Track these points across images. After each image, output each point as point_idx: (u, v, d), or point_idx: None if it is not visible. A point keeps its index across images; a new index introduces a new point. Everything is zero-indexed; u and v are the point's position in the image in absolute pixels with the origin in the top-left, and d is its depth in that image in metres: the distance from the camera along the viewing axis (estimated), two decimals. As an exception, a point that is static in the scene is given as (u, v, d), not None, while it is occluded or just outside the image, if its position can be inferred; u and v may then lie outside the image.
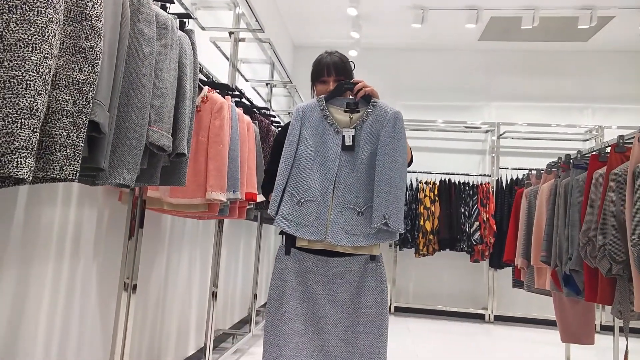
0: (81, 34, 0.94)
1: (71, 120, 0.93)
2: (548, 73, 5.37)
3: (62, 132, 0.91)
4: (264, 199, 2.53)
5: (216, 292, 2.78)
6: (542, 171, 2.80)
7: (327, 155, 1.64)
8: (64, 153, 0.92)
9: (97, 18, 0.96)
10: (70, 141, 0.92)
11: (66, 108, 0.92)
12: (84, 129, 0.96)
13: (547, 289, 2.37)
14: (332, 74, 1.72)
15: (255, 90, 3.86)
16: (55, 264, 1.66)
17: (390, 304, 5.00)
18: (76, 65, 0.94)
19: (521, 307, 4.90)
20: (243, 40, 2.98)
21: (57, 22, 0.88)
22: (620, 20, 4.54)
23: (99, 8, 0.97)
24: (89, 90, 0.95)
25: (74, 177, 0.93)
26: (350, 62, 1.82)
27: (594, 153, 2.05)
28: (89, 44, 0.95)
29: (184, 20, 1.76)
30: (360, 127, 1.67)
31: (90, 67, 0.95)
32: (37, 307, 1.58)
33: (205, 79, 2.37)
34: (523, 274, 2.76)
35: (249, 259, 4.18)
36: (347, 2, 4.34)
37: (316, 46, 5.70)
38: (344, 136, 1.64)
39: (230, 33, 2.87)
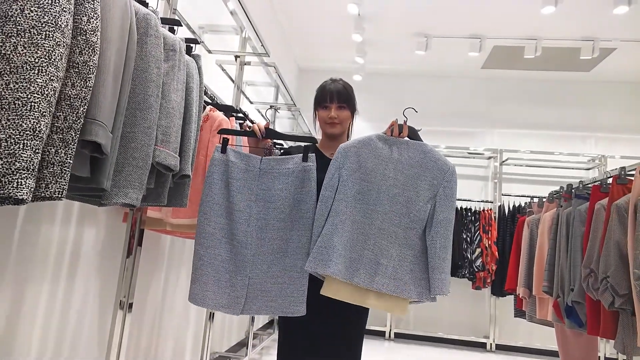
0: (75, 49, 0.95)
1: (60, 136, 0.93)
2: (551, 102, 5.42)
3: (51, 149, 0.91)
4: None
5: (213, 314, 2.74)
6: (544, 199, 2.79)
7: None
8: (51, 170, 0.92)
9: (92, 32, 0.98)
10: (58, 158, 0.92)
11: (56, 124, 0.92)
12: (73, 145, 0.95)
13: (549, 320, 2.33)
14: (335, 100, 1.71)
15: (259, 112, 3.90)
16: (52, 283, 1.65)
17: (390, 330, 4.92)
18: (68, 80, 0.94)
19: (523, 336, 4.81)
20: (248, 63, 3.03)
21: (64, 46, 0.89)
22: (622, 52, 4.60)
23: (95, 22, 0.99)
24: (80, 105, 0.96)
25: (60, 195, 0.93)
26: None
27: (595, 184, 2.05)
28: (82, 58, 0.96)
29: (191, 45, 1.79)
30: None
31: (82, 82, 0.96)
32: (31, 327, 1.56)
33: (210, 101, 2.40)
34: (525, 303, 2.72)
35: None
36: (352, 28, 4.41)
37: (321, 70, 5.78)
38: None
39: (236, 56, 2.91)
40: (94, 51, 0.99)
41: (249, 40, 2.99)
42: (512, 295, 4.44)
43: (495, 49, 4.78)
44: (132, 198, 1.25)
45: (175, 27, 1.63)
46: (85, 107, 0.98)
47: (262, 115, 3.89)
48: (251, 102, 3.62)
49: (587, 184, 2.27)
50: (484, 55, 4.91)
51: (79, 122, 0.97)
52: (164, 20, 1.59)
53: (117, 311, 1.69)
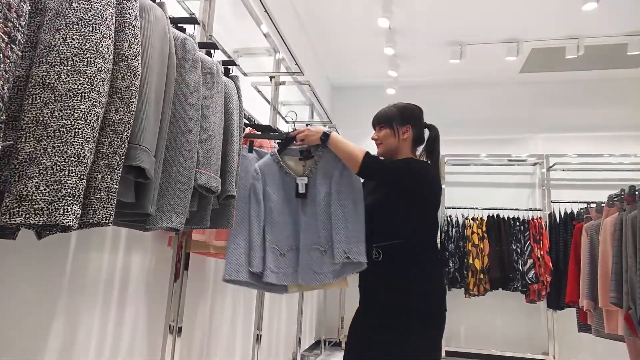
0: (117, 75, 0.96)
1: (106, 162, 0.93)
2: (597, 102, 5.16)
3: (97, 175, 0.91)
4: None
5: (260, 335, 2.71)
6: (602, 204, 2.61)
7: (292, 204, 1.80)
8: (98, 196, 0.92)
9: (133, 58, 0.98)
10: (104, 184, 0.92)
11: (101, 150, 0.92)
12: (119, 170, 0.95)
13: (620, 334, 2.15)
14: (375, 125, 1.83)
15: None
16: (103, 311, 1.66)
17: (442, 348, 4.71)
18: (112, 106, 0.95)
19: (587, 352, 4.49)
20: (283, 83, 3.04)
21: (105, 71, 0.90)
22: (673, 44, 4.33)
23: (136, 47, 0.99)
24: (124, 130, 0.96)
25: (107, 221, 0.92)
26: (409, 107, 1.83)
27: (663, 183, 1.89)
28: (124, 83, 0.96)
29: (229, 67, 1.81)
30: (314, 170, 1.80)
31: (125, 107, 0.96)
32: (85, 355, 1.57)
33: (248, 122, 2.41)
34: (590, 316, 2.52)
35: (292, 300, 4.10)
36: (384, 42, 4.39)
37: (354, 86, 5.78)
38: (297, 185, 1.80)
39: (271, 77, 2.93)
40: (136, 76, 1.00)
41: (283, 61, 3.01)
42: (572, 308, 4.18)
43: (534, 52, 4.62)
44: (176, 222, 1.24)
45: (212, 51, 1.65)
46: (129, 131, 0.98)
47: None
48: (287, 122, 3.63)
49: (653, 185, 2.10)
50: (522, 59, 4.75)
51: (124, 147, 0.96)
52: (201, 45, 1.61)
53: (167, 336, 1.68)
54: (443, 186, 5.02)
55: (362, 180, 1.79)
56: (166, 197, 1.25)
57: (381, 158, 1.76)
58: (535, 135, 5.25)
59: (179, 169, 1.27)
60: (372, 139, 1.82)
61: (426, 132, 1.84)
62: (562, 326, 4.56)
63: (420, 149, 1.82)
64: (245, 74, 2.79)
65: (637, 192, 2.11)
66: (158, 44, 1.14)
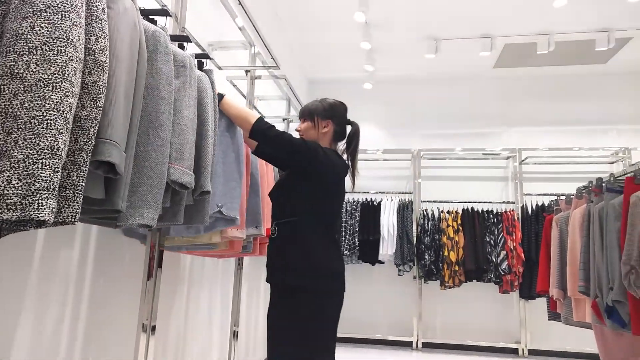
0: (84, 69, 0.93)
1: (72, 159, 0.90)
2: (567, 97, 5.30)
3: (62, 173, 0.89)
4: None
5: (237, 332, 2.70)
6: (571, 196, 2.69)
7: None
8: (63, 194, 0.89)
9: (100, 52, 0.95)
10: (70, 181, 0.89)
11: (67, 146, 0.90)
12: (85, 167, 0.93)
13: (587, 322, 2.22)
14: (300, 117, 1.92)
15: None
16: (73, 308, 1.62)
17: (417, 339, 4.80)
18: (79, 101, 0.92)
19: (557, 340, 4.64)
20: (259, 77, 3.02)
21: (77, 60, 0.87)
22: (638, 41, 4.47)
23: (103, 41, 0.96)
24: (90, 126, 0.93)
25: (73, 220, 0.90)
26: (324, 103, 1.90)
27: (628, 175, 1.95)
28: (92, 78, 0.94)
29: (203, 60, 1.78)
30: None
31: (92, 103, 0.93)
32: (55, 354, 1.53)
33: (223, 116, 2.38)
34: (559, 305, 2.60)
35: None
36: (360, 36, 4.40)
37: (331, 80, 5.77)
38: None
39: (247, 71, 2.90)
40: (103, 71, 0.97)
41: (259, 55, 2.98)
42: (543, 297, 4.30)
43: (507, 47, 4.71)
44: (148, 218, 1.21)
45: (185, 44, 1.62)
46: (96, 128, 0.95)
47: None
48: (264, 117, 3.60)
49: (619, 177, 2.17)
50: (495, 54, 4.83)
51: (90, 144, 0.94)
52: (173, 38, 1.58)
53: (140, 334, 1.65)
54: (419, 180, 5.09)
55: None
56: (138, 193, 1.22)
57: (272, 125, 1.76)
58: (508, 129, 5.36)
59: (151, 165, 1.25)
60: (296, 130, 1.92)
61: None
62: (534, 315, 4.70)
63: (341, 144, 1.92)
64: (220, 68, 2.75)
65: (604, 184, 2.18)
66: (127, 36, 1.11)
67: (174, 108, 1.37)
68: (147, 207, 1.23)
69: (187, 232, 1.74)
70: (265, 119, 1.80)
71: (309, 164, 1.71)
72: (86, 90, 0.94)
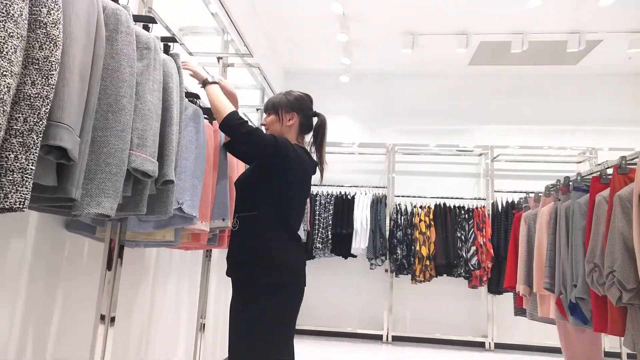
0: (34, 43, 0.86)
1: (20, 140, 0.83)
2: (539, 96, 5.40)
3: (9, 155, 0.82)
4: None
5: (204, 324, 2.64)
6: (540, 194, 2.73)
7: None
8: (10, 178, 0.82)
9: (53, 25, 0.88)
10: (17, 164, 0.83)
11: (14, 127, 0.83)
12: (36, 150, 0.86)
13: (551, 318, 2.26)
14: (265, 110, 1.90)
15: (245, 116, 3.80)
16: (26, 302, 1.54)
17: (387, 333, 4.84)
18: (28, 78, 0.85)
19: (522, 334, 4.76)
20: (232, 65, 2.94)
21: (18, 37, 0.80)
22: (608, 44, 4.59)
23: (56, 14, 0.89)
24: (41, 105, 0.86)
25: (21, 206, 0.83)
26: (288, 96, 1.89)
27: (594, 175, 1.98)
28: (43, 53, 0.87)
29: (169, 43, 1.70)
30: None
31: (44, 80, 0.86)
32: (5, 348, 1.45)
33: (192, 105, 2.30)
34: (525, 301, 2.65)
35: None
36: (337, 28, 4.35)
37: (307, 72, 5.71)
38: None
39: (219, 58, 2.82)
40: (56, 46, 0.90)
41: (232, 43, 2.90)
42: (510, 293, 4.39)
43: (482, 45, 4.75)
44: (106, 207, 1.15)
45: (150, 25, 1.54)
46: (48, 107, 0.88)
47: (249, 120, 3.79)
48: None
49: (585, 176, 2.21)
50: (470, 51, 4.87)
51: (41, 124, 0.87)
52: (137, 18, 1.50)
53: (97, 325, 1.58)
54: (393, 175, 5.11)
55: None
56: (95, 180, 1.15)
57: (245, 120, 1.72)
58: (481, 126, 5.43)
59: (109, 151, 1.18)
60: (261, 124, 1.90)
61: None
62: (501, 310, 4.80)
63: (308, 136, 1.90)
64: (191, 54, 2.66)
65: (571, 183, 2.22)
66: (84, 12, 1.04)
67: (137, 92, 1.30)
68: (105, 196, 1.16)
69: (140, 228, 1.66)
70: (239, 113, 1.75)
71: (279, 161, 1.69)
72: (36, 67, 0.87)
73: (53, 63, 0.88)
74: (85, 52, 1.04)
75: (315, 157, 1.90)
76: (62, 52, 0.96)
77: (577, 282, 1.93)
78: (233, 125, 1.68)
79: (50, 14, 0.90)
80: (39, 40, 0.87)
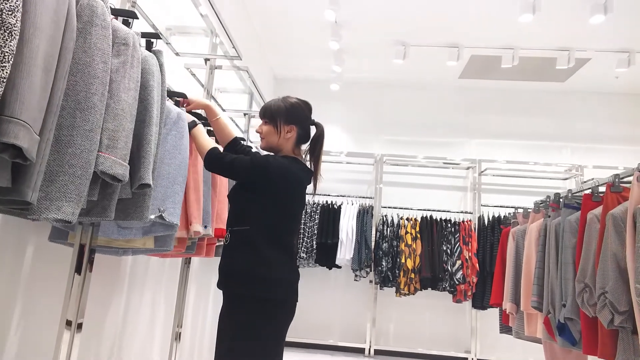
0: (-14, 31, 0.78)
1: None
2: (527, 112, 5.41)
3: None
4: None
5: (180, 334, 2.53)
6: (529, 210, 2.69)
7: None
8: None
9: (9, 13, 0.80)
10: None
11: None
12: None
13: (538, 337, 2.21)
14: (261, 116, 1.81)
15: (233, 120, 3.72)
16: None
17: (370, 347, 4.75)
18: (-25, 69, 0.76)
19: (505, 350, 4.70)
20: (220, 67, 2.86)
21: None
22: (597, 62, 4.62)
23: (14, 1, 0.81)
24: (-10, 100, 0.78)
25: None
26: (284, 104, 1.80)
27: (586, 192, 1.94)
28: (-6, 43, 0.78)
29: (152, 40, 1.62)
30: None
31: (-6, 73, 0.78)
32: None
33: (176, 108, 2.21)
34: (511, 319, 2.59)
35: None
36: (329, 35, 4.30)
37: (298, 79, 5.65)
38: None
39: (206, 60, 2.74)
40: (11, 35, 0.81)
41: (221, 45, 2.83)
42: (495, 309, 4.34)
43: (473, 58, 4.74)
44: (67, 212, 1.05)
45: (131, 20, 1.46)
46: (-1, 102, 0.80)
47: (236, 125, 3.71)
48: (223, 110, 3.44)
49: (576, 193, 2.17)
50: (461, 64, 4.86)
51: (-11, 120, 0.78)
52: (117, 12, 1.42)
53: (62, 331, 1.48)
54: (380, 185, 5.05)
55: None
56: (56, 183, 1.06)
57: (223, 154, 1.71)
58: (469, 140, 5.42)
59: (75, 151, 1.09)
60: (256, 132, 1.82)
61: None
62: (485, 325, 4.75)
63: (304, 146, 1.83)
64: (177, 54, 2.58)
65: (561, 200, 2.18)
66: (51, 1, 0.95)
67: (110, 90, 1.21)
68: (67, 200, 1.07)
69: (119, 235, 1.57)
70: (216, 148, 1.74)
71: (262, 181, 1.65)
72: (-13, 57, 0.78)
73: (6, 54, 0.79)
74: (51, 43, 0.96)
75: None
76: (23, 42, 0.87)
77: (567, 302, 1.87)
78: (213, 161, 1.69)
79: (7, 0, 0.81)
80: (-7, 27, 0.78)
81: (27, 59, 0.88)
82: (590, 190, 1.94)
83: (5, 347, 1.54)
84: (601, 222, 1.68)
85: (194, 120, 1.88)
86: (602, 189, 1.89)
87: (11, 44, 0.80)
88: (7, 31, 0.80)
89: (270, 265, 1.59)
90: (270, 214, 1.64)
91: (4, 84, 0.80)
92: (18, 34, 0.82)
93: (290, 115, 1.75)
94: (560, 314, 1.90)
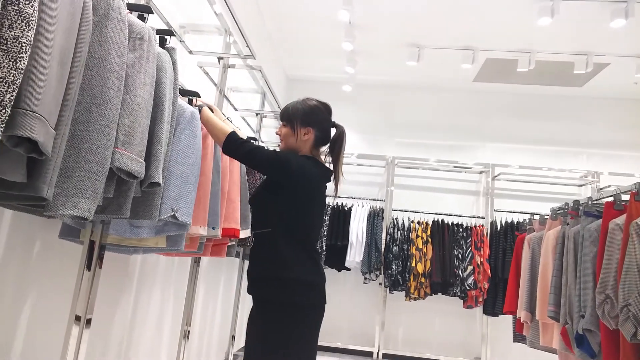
0: (4, 21, 0.75)
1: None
2: (542, 116, 5.33)
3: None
4: (248, 235, 2.35)
5: (189, 332, 2.51)
6: (545, 216, 2.63)
7: None
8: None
9: (25, 2, 0.78)
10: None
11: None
12: None
13: (554, 347, 2.15)
14: (280, 119, 1.81)
15: (244, 120, 3.70)
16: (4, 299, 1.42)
17: (379, 350, 4.70)
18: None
19: (516, 358, 4.62)
20: (233, 66, 2.84)
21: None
22: (615, 67, 4.53)
23: (31, -10, 0.79)
24: (6, 91, 0.75)
25: None
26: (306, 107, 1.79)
27: (608, 200, 1.89)
28: (12, 33, 0.76)
29: (165, 37, 1.60)
30: None
31: (11, 63, 0.76)
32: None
33: (190, 107, 2.20)
34: (526, 328, 2.53)
35: (229, 296, 3.90)
36: (343, 36, 4.27)
37: (310, 80, 5.63)
38: None
39: (220, 58, 2.72)
40: (29, 25, 0.79)
41: (235, 44, 2.81)
42: (507, 316, 4.27)
43: (488, 62, 4.68)
44: (83, 209, 1.03)
45: (146, 15, 1.44)
46: (14, 94, 0.77)
47: (248, 124, 3.69)
48: (236, 109, 3.42)
49: (597, 200, 2.11)
50: (476, 67, 4.80)
51: (4, 112, 0.76)
52: (132, 7, 1.40)
53: (71, 327, 1.46)
54: (391, 188, 5.00)
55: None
56: (73, 179, 1.04)
57: (245, 140, 1.71)
58: (483, 144, 5.35)
59: (91, 147, 1.07)
60: (276, 133, 1.84)
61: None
62: (496, 332, 4.67)
63: (324, 148, 1.82)
64: (191, 52, 2.56)
65: (581, 207, 2.12)
66: (69, -8, 0.93)
67: (126, 85, 1.20)
68: (83, 197, 1.05)
69: (131, 234, 1.55)
70: (238, 133, 1.72)
71: (283, 177, 1.64)
72: (4, 47, 0.76)
73: (23, 45, 0.77)
74: (67, 35, 0.94)
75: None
76: (39, 33, 0.85)
77: (585, 313, 1.82)
78: (234, 146, 1.67)
79: (25, -11, 0.79)
80: (9, 18, 0.76)
81: (43, 51, 0.86)
82: (612, 198, 1.88)
83: (14, 342, 1.53)
84: (624, 231, 1.63)
85: (200, 105, 1.86)
86: (625, 197, 1.84)
87: (28, 34, 0.78)
88: (25, 21, 0.78)
89: (292, 268, 1.57)
90: (291, 215, 1.62)
91: (22, 75, 0.78)
92: (35, 24, 0.80)
93: (308, 118, 1.74)
94: (579, 325, 1.85)
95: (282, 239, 1.59)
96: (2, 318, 1.47)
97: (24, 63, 0.78)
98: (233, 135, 1.68)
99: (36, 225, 1.59)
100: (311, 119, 1.74)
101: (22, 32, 0.78)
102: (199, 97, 1.97)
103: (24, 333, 1.57)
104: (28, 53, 0.79)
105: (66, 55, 0.94)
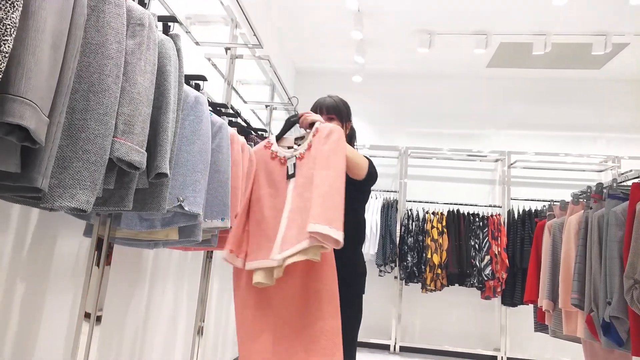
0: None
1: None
2: (559, 101, 5.18)
3: None
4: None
5: (203, 328, 2.49)
6: (566, 202, 2.53)
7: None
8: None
9: (8, -21, 0.73)
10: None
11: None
12: None
13: (578, 336, 2.07)
14: (324, 112, 1.85)
15: (254, 113, 3.66)
16: (5, 303, 1.40)
17: (395, 343, 4.65)
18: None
19: (537, 349, 4.53)
20: (240, 57, 2.80)
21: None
22: (636, 47, 4.37)
23: (13, -36, 0.74)
24: (-11, 76, 0.71)
25: None
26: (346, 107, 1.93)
27: (635, 181, 1.79)
28: (-7, 13, 0.72)
29: (169, 24, 1.56)
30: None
31: (-7, 45, 0.71)
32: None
33: (194, 91, 2.16)
34: (548, 317, 2.44)
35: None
36: (352, 25, 4.19)
37: (318, 71, 5.55)
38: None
39: (227, 49, 2.68)
40: (13, 7, 0.74)
41: (243, 36, 2.76)
42: (526, 305, 4.18)
43: (502, 46, 4.55)
44: (81, 201, 0.99)
45: (147, 1, 1.39)
46: None
47: (258, 117, 3.65)
48: (245, 102, 3.38)
49: (622, 182, 2.01)
50: (489, 52, 4.68)
51: (-10, 98, 0.72)
52: (132, -8, 1.35)
53: (81, 324, 1.44)
54: (405, 180, 4.92)
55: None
56: (70, 169, 1.00)
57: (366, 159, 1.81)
58: (497, 131, 5.23)
59: (88, 136, 1.03)
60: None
61: None
62: (515, 323, 4.58)
63: None
64: (197, 43, 2.52)
65: (605, 190, 2.02)
66: (60, -28, 0.89)
67: (125, 72, 1.15)
68: (81, 188, 1.01)
69: (140, 226, 1.52)
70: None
71: (372, 182, 1.82)
72: (-13, 30, 0.72)
73: (8, 27, 0.73)
74: (60, 18, 0.89)
75: None
76: (29, 14, 0.81)
77: (612, 299, 1.73)
78: (370, 166, 1.78)
79: (11, -33, 0.75)
80: (-7, -3, 0.72)
81: (34, 34, 0.82)
82: (639, 179, 1.79)
83: (25, 338, 1.52)
84: (653, 212, 1.54)
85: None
86: (653, 177, 1.74)
87: (13, 15, 0.74)
88: (9, 2, 0.74)
89: (360, 261, 1.84)
90: (356, 212, 1.79)
91: (6, 59, 0.73)
92: (21, 5, 0.76)
93: (349, 113, 1.91)
94: (605, 313, 1.76)
95: (350, 236, 1.68)
96: (15, 315, 1.45)
97: (8, 46, 0.73)
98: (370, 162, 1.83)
99: (55, 221, 1.57)
100: (349, 114, 1.92)
101: (5, 13, 0.73)
102: (206, 80, 1.92)
103: (39, 329, 1.55)
104: (13, 36, 0.74)
105: (59, 38, 0.89)
